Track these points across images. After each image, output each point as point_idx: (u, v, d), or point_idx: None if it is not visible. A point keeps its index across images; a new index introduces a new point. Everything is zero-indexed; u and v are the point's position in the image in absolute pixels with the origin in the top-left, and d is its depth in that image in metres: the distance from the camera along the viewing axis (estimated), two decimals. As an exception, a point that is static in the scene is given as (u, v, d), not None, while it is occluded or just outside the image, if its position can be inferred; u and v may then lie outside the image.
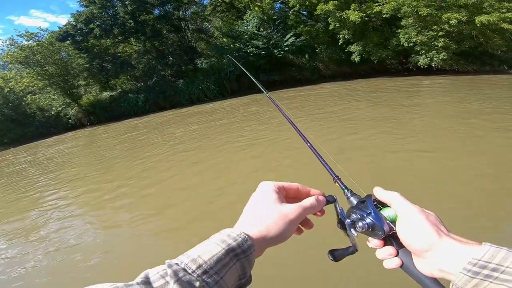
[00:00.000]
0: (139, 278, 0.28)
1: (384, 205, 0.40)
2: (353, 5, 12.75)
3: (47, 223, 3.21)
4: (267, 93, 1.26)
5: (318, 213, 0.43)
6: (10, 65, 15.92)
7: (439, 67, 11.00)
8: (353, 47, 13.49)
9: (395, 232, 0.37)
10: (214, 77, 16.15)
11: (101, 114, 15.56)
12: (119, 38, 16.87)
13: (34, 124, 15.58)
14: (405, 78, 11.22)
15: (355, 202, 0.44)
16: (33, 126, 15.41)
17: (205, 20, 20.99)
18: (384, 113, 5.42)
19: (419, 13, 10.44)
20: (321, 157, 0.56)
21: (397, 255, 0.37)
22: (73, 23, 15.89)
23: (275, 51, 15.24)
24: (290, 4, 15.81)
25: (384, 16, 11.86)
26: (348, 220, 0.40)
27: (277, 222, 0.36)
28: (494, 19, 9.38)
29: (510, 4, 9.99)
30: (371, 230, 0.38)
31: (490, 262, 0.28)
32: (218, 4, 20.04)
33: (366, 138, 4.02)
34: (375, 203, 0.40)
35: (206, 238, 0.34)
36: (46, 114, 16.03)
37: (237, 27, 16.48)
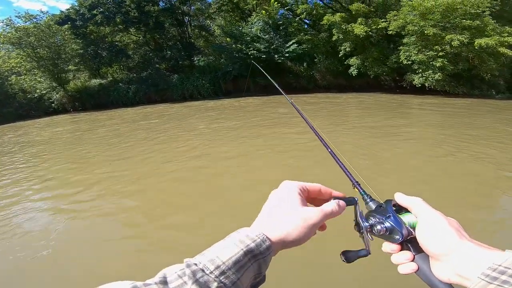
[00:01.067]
0: (157, 278, 0.29)
1: (404, 210, 0.42)
2: (359, 19, 13.43)
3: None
4: (290, 100, 1.33)
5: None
6: (1, 45, 15.86)
7: (432, 87, 11.61)
8: (352, 60, 14.09)
9: (414, 237, 0.38)
10: (210, 75, 16.46)
11: (87, 101, 15.56)
12: (120, 27, 17.10)
13: (14, 105, 15.35)
14: (415, 96, 11.68)
15: (373, 206, 0.45)
16: (12, 107, 15.16)
17: (208, 17, 21.54)
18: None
19: (425, 32, 10.96)
20: (341, 163, 0.59)
21: (413, 260, 0.38)
22: (77, 7, 16.10)
23: (276, 56, 15.71)
24: (298, 12, 16.52)
25: (390, 32, 12.44)
26: (366, 223, 0.41)
27: (299, 227, 0.37)
28: (494, 42, 9.91)
29: None
30: (388, 234, 0.39)
31: (510, 268, 0.28)
32: (224, 3, 20.73)
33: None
34: (394, 208, 0.42)
35: None
36: (28, 96, 15.89)
37: (240, 28, 16.99)
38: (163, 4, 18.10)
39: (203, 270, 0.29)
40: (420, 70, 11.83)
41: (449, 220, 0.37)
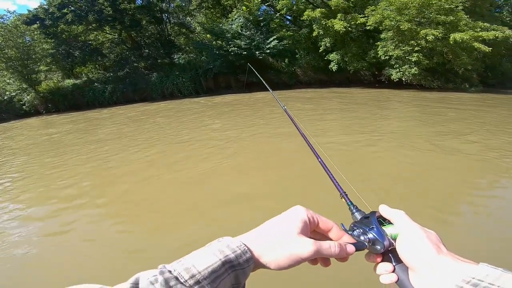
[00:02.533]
0: (128, 283, 0.29)
1: (387, 222, 0.45)
2: (339, 14, 13.94)
3: None
4: (283, 106, 1.33)
5: (340, 260, 0.43)
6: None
7: (408, 81, 12.20)
8: (332, 56, 14.59)
9: (394, 248, 0.41)
10: (191, 73, 16.66)
11: (60, 102, 15.51)
12: (93, 25, 17.10)
13: (-16, 108, 15.17)
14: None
15: (359, 217, 0.49)
16: (-19, 111, 15.00)
17: (188, 14, 21.75)
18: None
19: (400, 27, 11.52)
20: (330, 173, 0.61)
21: (393, 271, 0.41)
22: (46, 6, 16.02)
23: (257, 52, 16.03)
24: (278, 7, 16.94)
25: (368, 27, 12.96)
26: (350, 233, 0.45)
27: (285, 253, 0.37)
28: (468, 37, 10.48)
29: (485, 24, 11.25)
30: (371, 245, 0.42)
31: (483, 281, 0.30)
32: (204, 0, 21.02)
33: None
34: (378, 219, 0.45)
35: None
36: (-2, 99, 15.70)
37: (221, 25, 17.30)
38: (140, 2, 18.23)
39: (177, 278, 0.29)
40: (397, 65, 12.40)
41: (428, 234, 0.39)
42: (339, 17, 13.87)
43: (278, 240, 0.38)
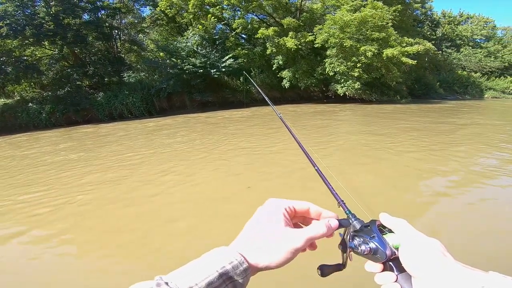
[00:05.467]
0: None
1: (388, 230, 0.47)
2: (290, 33, 15.95)
3: None
4: (279, 114, 1.46)
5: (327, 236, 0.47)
6: None
7: (352, 95, 14.51)
8: (284, 73, 16.54)
9: (397, 257, 0.43)
10: (142, 92, 17.29)
11: (-13, 125, 14.94)
12: (30, 40, 17.12)
13: None
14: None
15: (358, 226, 0.51)
16: None
17: (141, 31, 22.88)
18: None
19: (344, 44, 13.59)
20: (327, 181, 0.67)
21: (396, 280, 0.43)
22: None
23: (212, 71, 17.28)
24: (234, 26, 18.95)
25: (316, 45, 14.93)
26: (352, 244, 0.47)
27: (280, 250, 0.41)
28: (397, 52, 12.70)
29: (409, 39, 13.89)
30: (372, 254, 0.45)
31: None
32: (159, 17, 22.47)
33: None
34: (379, 228, 0.48)
35: None
36: None
37: (175, 43, 18.57)
38: (88, 17, 18.87)
39: None
40: (342, 80, 14.67)
41: (432, 241, 0.42)
42: (290, 35, 15.93)
43: (269, 240, 0.42)
